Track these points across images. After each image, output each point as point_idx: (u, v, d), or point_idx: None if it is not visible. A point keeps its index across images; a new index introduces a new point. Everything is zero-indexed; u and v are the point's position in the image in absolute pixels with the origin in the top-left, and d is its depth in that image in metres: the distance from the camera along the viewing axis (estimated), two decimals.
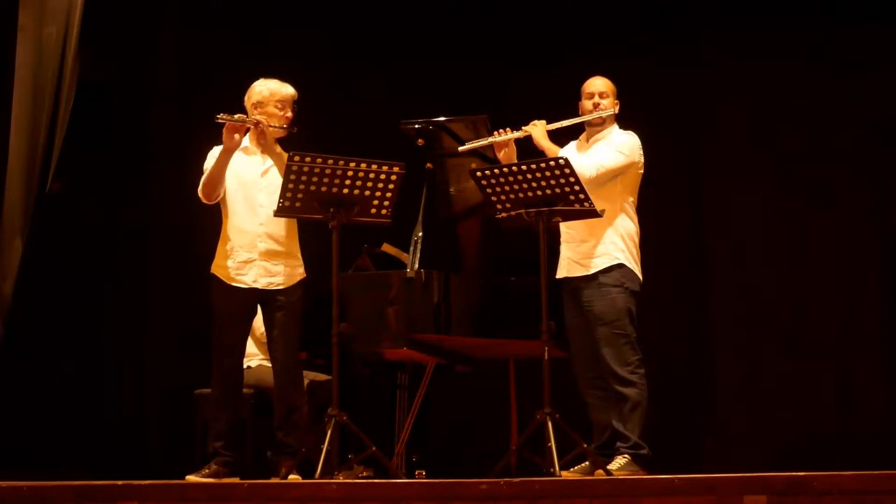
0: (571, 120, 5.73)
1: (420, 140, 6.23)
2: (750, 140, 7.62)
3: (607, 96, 5.75)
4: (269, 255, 5.61)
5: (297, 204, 5.36)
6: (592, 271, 5.60)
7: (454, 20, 7.83)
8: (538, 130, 5.72)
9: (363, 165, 5.34)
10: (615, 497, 4.53)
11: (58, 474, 5.65)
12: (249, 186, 5.65)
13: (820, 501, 4.45)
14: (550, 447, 5.11)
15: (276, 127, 5.65)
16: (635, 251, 5.65)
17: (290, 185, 5.32)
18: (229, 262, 5.62)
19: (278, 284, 5.61)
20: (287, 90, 5.71)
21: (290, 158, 5.33)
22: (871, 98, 7.47)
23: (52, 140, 5.84)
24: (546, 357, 5.25)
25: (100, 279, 7.70)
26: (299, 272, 5.68)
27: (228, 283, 5.62)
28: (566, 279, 5.69)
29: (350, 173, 5.33)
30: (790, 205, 7.52)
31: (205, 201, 5.66)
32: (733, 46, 7.64)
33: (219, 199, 5.66)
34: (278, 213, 5.43)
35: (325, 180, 5.32)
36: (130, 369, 7.62)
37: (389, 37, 7.77)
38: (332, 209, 5.36)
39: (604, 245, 5.59)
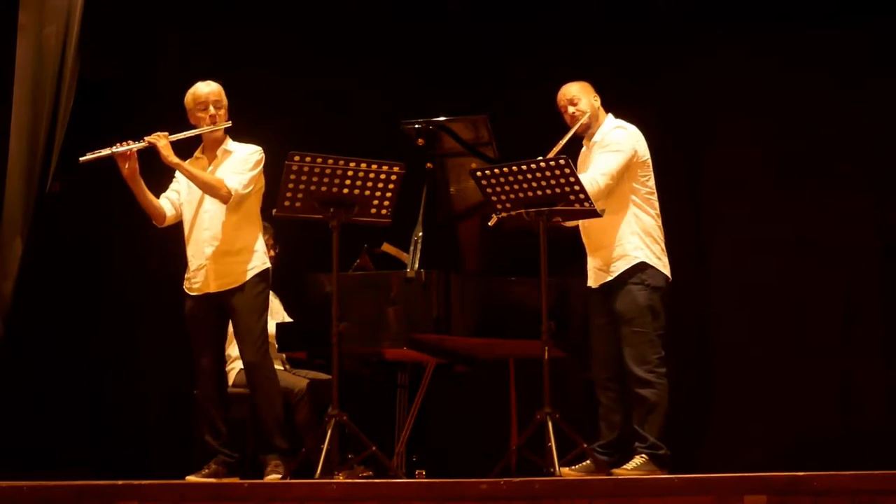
0: (560, 142, 5.58)
1: (420, 140, 6.23)
2: (750, 140, 7.61)
3: (578, 99, 5.68)
4: (218, 256, 5.54)
5: (297, 204, 5.35)
6: (615, 275, 5.53)
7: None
8: None
9: (363, 165, 5.34)
10: (615, 497, 4.53)
11: (58, 474, 5.65)
12: (194, 194, 5.62)
13: (820, 501, 4.45)
14: (550, 447, 5.11)
15: (198, 132, 5.59)
16: (656, 245, 5.56)
17: (290, 185, 5.32)
18: (187, 274, 5.63)
19: (231, 283, 5.55)
20: (203, 89, 5.62)
21: (290, 158, 5.33)
22: (872, 98, 7.46)
23: (52, 140, 5.85)
24: (546, 357, 5.25)
25: (99, 279, 7.69)
26: (256, 265, 5.58)
27: (189, 293, 5.61)
28: (596, 288, 5.62)
29: (350, 173, 5.32)
30: (790, 205, 7.51)
31: (158, 226, 5.69)
32: (733, 46, 7.63)
33: (167, 220, 5.65)
34: (279, 213, 5.43)
35: (325, 180, 5.31)
36: (130, 370, 7.62)
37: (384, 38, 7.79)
38: (332, 209, 5.36)
39: (621, 246, 5.52)
